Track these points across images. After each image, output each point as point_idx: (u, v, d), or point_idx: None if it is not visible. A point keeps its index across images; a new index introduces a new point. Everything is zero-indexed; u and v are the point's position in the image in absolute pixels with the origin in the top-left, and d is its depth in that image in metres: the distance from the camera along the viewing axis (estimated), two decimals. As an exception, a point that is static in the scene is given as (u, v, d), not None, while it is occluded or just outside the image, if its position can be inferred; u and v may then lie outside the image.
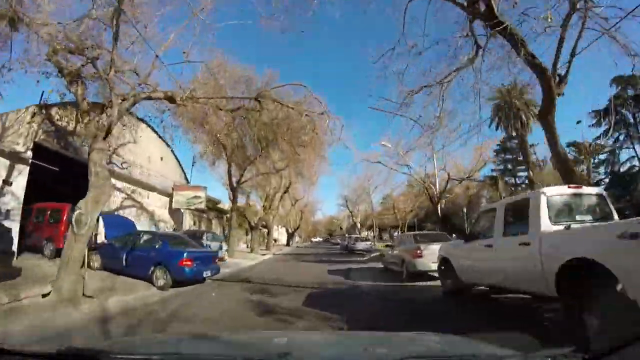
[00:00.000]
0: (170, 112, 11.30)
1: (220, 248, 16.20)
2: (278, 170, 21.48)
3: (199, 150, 21.68)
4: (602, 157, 42.54)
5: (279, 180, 26.28)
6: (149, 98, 8.91)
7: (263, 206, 28.38)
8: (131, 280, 9.08)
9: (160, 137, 20.86)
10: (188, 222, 23.48)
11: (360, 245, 26.37)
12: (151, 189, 19.08)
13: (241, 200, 27.90)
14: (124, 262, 9.62)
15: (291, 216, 45.88)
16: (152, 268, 8.80)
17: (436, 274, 9.19)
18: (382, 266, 12.75)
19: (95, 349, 1.32)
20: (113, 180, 17.10)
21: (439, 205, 18.52)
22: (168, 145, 22.09)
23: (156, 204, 20.04)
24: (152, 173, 19.12)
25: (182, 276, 8.42)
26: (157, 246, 9.21)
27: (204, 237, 15.10)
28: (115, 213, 15.83)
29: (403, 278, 9.85)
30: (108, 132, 7.86)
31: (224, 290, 8.63)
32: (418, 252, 9.26)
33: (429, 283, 9.08)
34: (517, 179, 54.56)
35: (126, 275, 9.47)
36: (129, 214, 17.09)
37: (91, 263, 10.23)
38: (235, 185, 20.36)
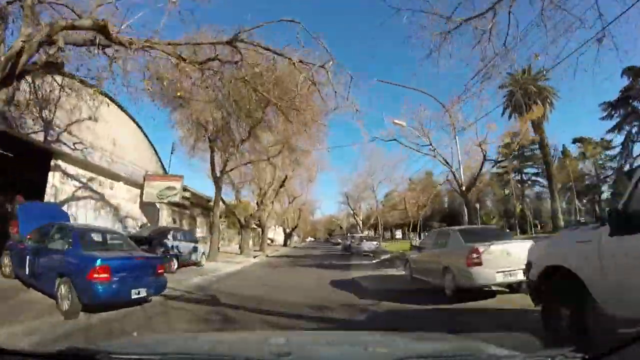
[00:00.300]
0: (118, 63, 8.15)
1: (195, 250, 12.90)
2: (270, 157, 18.24)
3: (179, 136, 18.85)
4: (611, 152, 40.37)
5: (273, 172, 23.17)
6: (72, 28, 6.70)
7: (256, 202, 25.13)
8: (36, 298, 6.05)
9: (132, 118, 17.76)
10: (165, 220, 20.10)
11: (366, 246, 22.95)
12: (115, 177, 15.75)
13: (232, 196, 24.95)
14: (27, 269, 6.51)
15: (289, 215, 42.92)
16: (57, 281, 5.55)
17: (496, 288, 6.08)
18: (406, 273, 9.34)
19: (95, 349, 1.31)
20: (63, 165, 14.08)
21: (467, 196, 15.15)
22: (142, 130, 18.91)
23: (123, 196, 16.71)
24: (117, 160, 15.79)
25: (92, 297, 5.01)
26: (65, 247, 5.84)
27: (169, 236, 11.59)
28: (62, 205, 12.50)
29: (448, 295, 6.48)
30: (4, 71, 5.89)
31: (165, 320, 5.35)
32: (474, 257, 5.85)
33: (492, 304, 5.86)
34: (523, 175, 51.66)
35: (36, 288, 6.41)
36: (84, 206, 13.80)
37: (2, 268, 7.87)
38: (218, 174, 17.11)
